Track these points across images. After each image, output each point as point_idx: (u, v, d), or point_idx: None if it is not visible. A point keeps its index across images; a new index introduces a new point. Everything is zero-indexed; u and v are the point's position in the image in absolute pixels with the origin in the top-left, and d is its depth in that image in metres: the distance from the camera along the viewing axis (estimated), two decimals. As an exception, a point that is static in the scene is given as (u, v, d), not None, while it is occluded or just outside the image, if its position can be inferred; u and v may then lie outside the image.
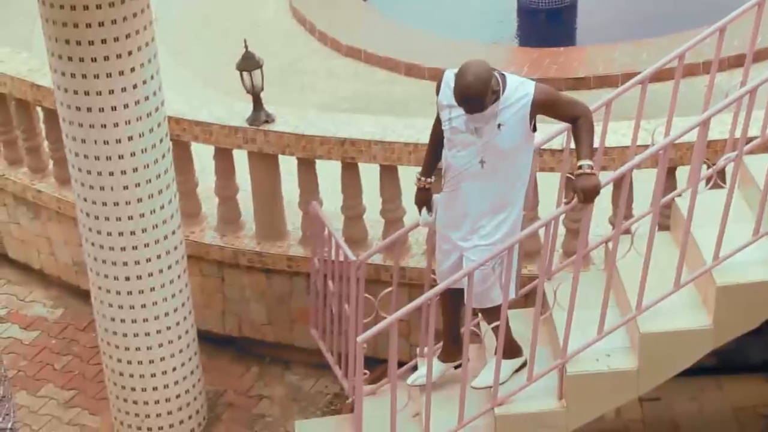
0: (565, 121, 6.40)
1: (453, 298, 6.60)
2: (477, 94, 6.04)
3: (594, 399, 6.46)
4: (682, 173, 7.17)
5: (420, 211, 6.68)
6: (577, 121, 6.21)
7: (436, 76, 11.34)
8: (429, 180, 6.61)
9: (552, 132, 7.01)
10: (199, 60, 12.08)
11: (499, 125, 6.18)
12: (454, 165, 6.34)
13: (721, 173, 6.93)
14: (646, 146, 6.79)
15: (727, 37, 6.94)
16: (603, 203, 7.29)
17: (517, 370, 6.66)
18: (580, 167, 6.08)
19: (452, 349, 6.82)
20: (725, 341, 6.47)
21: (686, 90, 7.68)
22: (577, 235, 7.30)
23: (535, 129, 6.29)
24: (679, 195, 7.05)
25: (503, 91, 6.17)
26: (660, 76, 7.08)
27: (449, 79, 6.28)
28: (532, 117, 6.20)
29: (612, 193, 7.39)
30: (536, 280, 6.62)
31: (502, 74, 6.22)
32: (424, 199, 6.65)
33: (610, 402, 6.60)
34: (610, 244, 6.56)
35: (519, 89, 6.19)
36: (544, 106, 6.21)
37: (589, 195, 6.04)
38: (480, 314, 6.68)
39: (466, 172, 6.31)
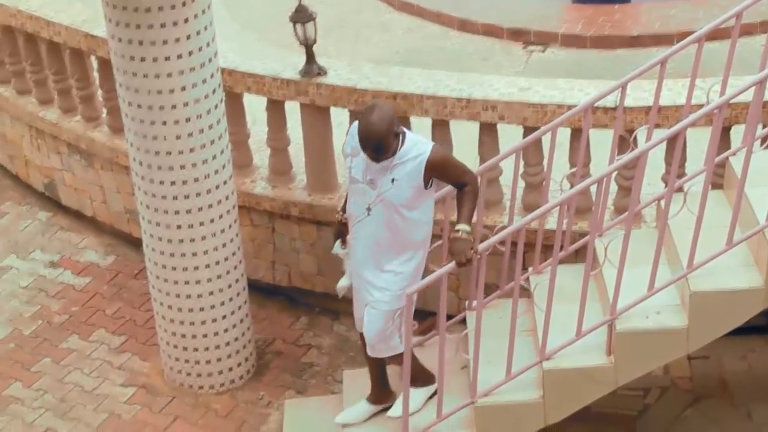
0: (453, 186, 6.52)
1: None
2: (379, 132, 6.19)
3: (642, 356, 6.45)
4: (737, 133, 7.12)
5: (334, 242, 6.87)
6: (464, 188, 6.36)
7: (490, 31, 11.50)
8: (346, 216, 6.74)
9: (605, 89, 6.98)
10: (253, 12, 12.10)
11: (392, 180, 6.32)
12: (352, 213, 6.55)
13: (777, 133, 6.87)
14: (701, 105, 6.75)
15: (787, -4, 6.87)
16: (656, 161, 7.26)
17: (430, 397, 6.79)
18: (456, 231, 6.23)
19: (381, 393, 6.99)
20: (777, 301, 6.45)
21: (742, 49, 7.63)
22: (628, 192, 7.28)
23: (431, 186, 6.40)
24: (733, 154, 6.99)
25: (401, 146, 6.32)
26: (716, 34, 7.00)
27: (354, 129, 6.42)
28: (427, 177, 6.32)
29: (665, 152, 7.35)
30: (587, 236, 6.62)
31: (403, 131, 6.37)
32: (340, 233, 6.83)
33: (659, 359, 6.59)
34: (662, 202, 6.53)
35: (416, 148, 6.34)
36: (436, 168, 6.33)
37: (463, 259, 6.16)
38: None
39: (360, 221, 6.49)
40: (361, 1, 12.40)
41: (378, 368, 6.91)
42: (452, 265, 6.23)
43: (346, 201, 6.76)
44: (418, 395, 6.78)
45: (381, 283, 6.53)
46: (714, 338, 6.49)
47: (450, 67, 10.15)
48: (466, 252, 6.18)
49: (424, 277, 6.45)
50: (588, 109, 6.93)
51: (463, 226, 6.24)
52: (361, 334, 6.77)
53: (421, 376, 6.77)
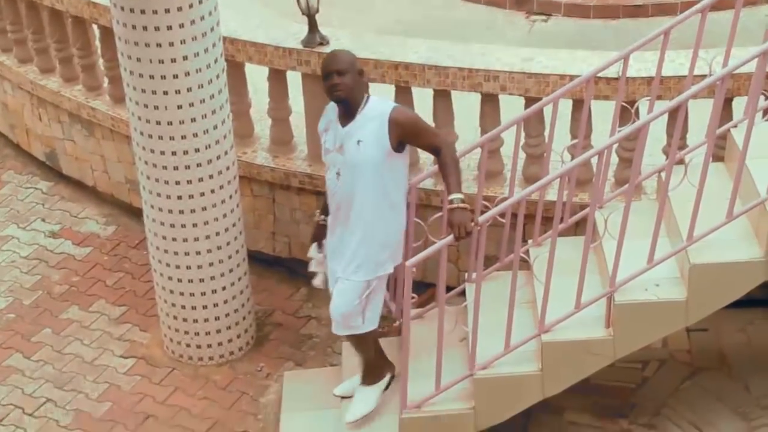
0: (427, 151, 6.59)
1: None
2: (343, 57, 6.35)
3: (642, 328, 6.44)
4: (739, 104, 7.09)
5: (311, 244, 6.93)
6: (440, 153, 6.37)
7: (493, 1, 11.38)
8: (324, 218, 6.80)
9: (607, 60, 6.95)
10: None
11: (358, 141, 6.36)
12: (330, 186, 6.58)
13: (779, 104, 6.83)
14: (704, 76, 6.72)
15: (790, -34, 6.82)
16: (657, 132, 7.23)
17: (385, 388, 6.90)
18: (451, 201, 6.20)
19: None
20: (777, 274, 6.43)
21: (746, 19, 7.57)
22: (629, 164, 7.25)
23: (401, 150, 6.40)
24: (735, 126, 6.96)
25: (364, 107, 6.38)
26: (720, 4, 6.95)
27: (327, 106, 6.57)
28: (393, 137, 6.33)
29: (667, 123, 7.31)
30: (587, 208, 6.61)
31: (367, 95, 6.45)
32: (318, 235, 6.88)
33: (658, 332, 6.57)
34: (663, 174, 6.50)
35: (378, 107, 6.40)
36: (402, 128, 6.34)
37: (464, 230, 6.13)
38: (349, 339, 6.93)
39: (339, 192, 6.51)
40: (365, -30, 12.33)
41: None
42: (452, 237, 6.22)
43: (323, 204, 6.80)
44: (372, 393, 6.85)
45: (356, 253, 6.53)
46: (714, 311, 6.48)
47: (453, 37, 10.14)
48: (466, 224, 6.15)
49: (423, 249, 6.43)
50: (590, 80, 6.90)
51: (455, 195, 6.22)
52: None
53: (376, 372, 6.86)
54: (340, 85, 6.32)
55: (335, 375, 7.30)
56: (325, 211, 6.83)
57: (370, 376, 6.88)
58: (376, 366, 6.87)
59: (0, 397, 7.68)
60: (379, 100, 6.49)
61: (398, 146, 6.37)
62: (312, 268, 7.03)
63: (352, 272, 6.57)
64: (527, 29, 10.95)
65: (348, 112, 6.44)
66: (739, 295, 6.42)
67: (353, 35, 8.05)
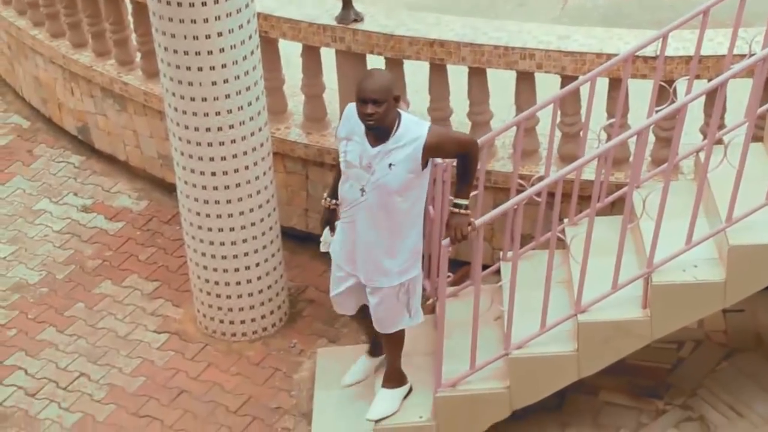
0: (455, 158, 6.44)
1: (365, 314, 6.78)
2: (381, 82, 6.09)
3: (679, 309, 6.41)
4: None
5: (322, 229, 6.82)
6: (465, 155, 6.25)
7: (527, -23, 11.26)
8: (335, 202, 6.67)
9: (645, 39, 6.89)
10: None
11: (390, 165, 6.19)
12: (348, 198, 6.42)
13: (820, 85, 6.76)
14: (743, 56, 6.65)
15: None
16: (694, 112, 7.18)
17: (405, 397, 6.84)
18: (456, 206, 6.17)
19: (378, 344, 7.00)
20: (816, 256, 6.38)
21: (787, -3, 7.52)
22: (666, 144, 7.21)
23: (427, 165, 6.28)
24: (775, 106, 6.91)
25: (397, 128, 6.18)
26: (760, -18, 6.91)
27: (349, 111, 6.33)
28: (425, 159, 6.21)
29: (705, 103, 7.26)
30: (624, 188, 6.57)
31: (399, 112, 6.24)
32: (329, 219, 6.79)
33: (696, 313, 6.55)
34: (701, 154, 6.46)
35: (412, 130, 6.19)
36: (437, 149, 6.23)
37: (460, 233, 6.12)
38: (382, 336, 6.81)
39: (359, 206, 6.37)
40: (396, -54, 12.25)
41: (369, 324, 6.87)
42: (488, 216, 6.19)
43: (332, 187, 6.70)
44: (395, 395, 6.82)
45: (383, 264, 6.44)
46: (752, 292, 6.45)
47: (485, 13, 10.06)
48: (462, 228, 6.13)
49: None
50: (627, 60, 6.85)
51: (461, 201, 6.20)
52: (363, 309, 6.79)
53: (398, 375, 6.83)
54: (376, 114, 6.08)
55: (369, 352, 7.30)
56: (333, 195, 6.70)
57: (392, 380, 6.84)
58: (399, 369, 6.84)
59: (34, 371, 7.72)
60: (412, 121, 6.25)
61: (426, 163, 6.27)
62: (324, 248, 6.95)
63: (379, 281, 6.48)
64: (561, 5, 10.86)
65: (379, 133, 6.24)
66: (779, 277, 6.40)
67: (387, 12, 8.01)
